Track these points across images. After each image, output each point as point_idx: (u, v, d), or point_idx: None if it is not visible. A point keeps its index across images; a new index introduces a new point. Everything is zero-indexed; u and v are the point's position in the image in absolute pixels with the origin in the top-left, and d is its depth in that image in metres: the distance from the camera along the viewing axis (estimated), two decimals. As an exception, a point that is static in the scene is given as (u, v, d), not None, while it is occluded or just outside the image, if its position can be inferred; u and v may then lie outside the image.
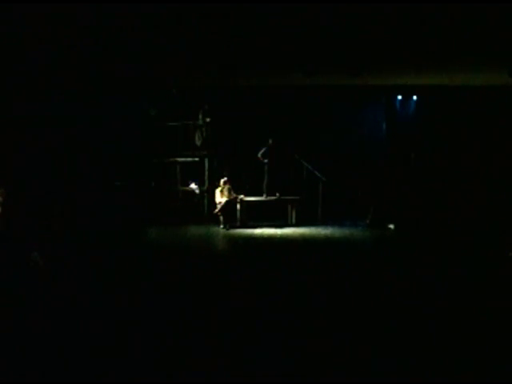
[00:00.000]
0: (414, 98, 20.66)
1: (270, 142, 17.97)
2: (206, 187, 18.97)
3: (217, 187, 18.08)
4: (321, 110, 19.85)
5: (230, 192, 17.71)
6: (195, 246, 14.73)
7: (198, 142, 18.74)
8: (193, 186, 19.22)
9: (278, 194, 18.17)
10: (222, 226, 17.45)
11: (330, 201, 18.68)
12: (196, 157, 18.91)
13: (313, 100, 19.57)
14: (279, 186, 18.07)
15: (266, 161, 18.07)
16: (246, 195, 18.13)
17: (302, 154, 18.89)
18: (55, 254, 11.57)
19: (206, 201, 18.91)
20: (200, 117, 18.73)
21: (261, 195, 18.29)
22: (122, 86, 17.34)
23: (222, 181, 17.78)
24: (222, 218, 17.51)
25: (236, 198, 17.73)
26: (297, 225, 17.80)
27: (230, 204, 17.64)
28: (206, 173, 19.02)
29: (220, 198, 17.62)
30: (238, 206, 17.97)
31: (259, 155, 18.16)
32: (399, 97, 20.62)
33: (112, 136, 17.93)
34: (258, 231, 16.71)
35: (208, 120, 18.59)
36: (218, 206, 17.59)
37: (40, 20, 9.80)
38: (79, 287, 9.87)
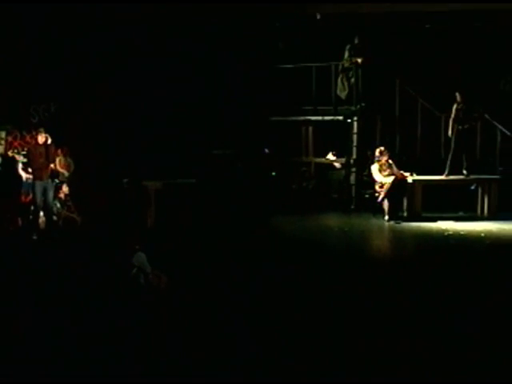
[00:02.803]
0: None
1: (458, 97, 13.65)
2: (352, 159, 14.95)
3: (369, 160, 14.38)
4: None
5: (391, 167, 13.39)
6: (346, 248, 11.44)
7: (342, 94, 15.02)
8: (331, 156, 15.46)
9: (464, 172, 13.69)
10: (386, 218, 13.33)
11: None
12: (339, 114, 15.34)
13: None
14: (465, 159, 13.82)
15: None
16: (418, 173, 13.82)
17: (493, 112, 14.55)
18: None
19: (352, 179, 14.91)
20: (346, 55, 15.08)
21: (438, 173, 13.92)
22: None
23: (377, 151, 13.59)
24: (387, 205, 13.24)
25: (403, 176, 13.43)
26: (491, 218, 13.59)
27: (397, 185, 13.19)
28: (354, 138, 15.01)
29: (381, 177, 13.36)
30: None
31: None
32: None
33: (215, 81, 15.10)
34: (436, 226, 12.96)
35: (359, 61, 14.77)
36: (380, 190, 13.37)
37: None
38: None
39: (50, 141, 11.35)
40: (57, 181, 11.87)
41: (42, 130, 11.54)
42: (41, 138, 11.31)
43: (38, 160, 11.20)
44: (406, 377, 5.44)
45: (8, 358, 5.77)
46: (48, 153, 11.31)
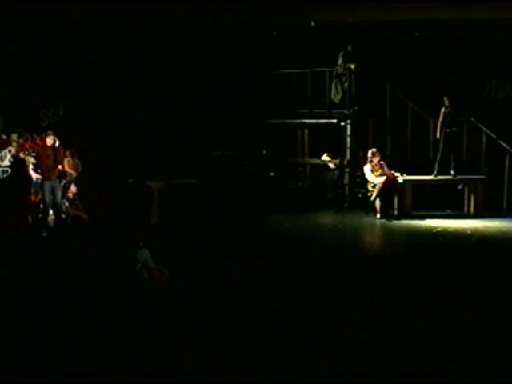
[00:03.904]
0: None
1: (446, 102, 13.13)
2: (345, 160, 14.49)
3: (361, 161, 13.91)
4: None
5: (383, 168, 12.94)
6: (340, 244, 10.82)
7: (336, 98, 14.51)
8: (325, 157, 14.88)
9: (452, 173, 13.23)
10: (378, 216, 12.84)
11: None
12: (333, 118, 14.71)
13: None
14: (452, 160, 13.31)
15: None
16: (408, 173, 13.30)
17: (479, 115, 14.04)
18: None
19: (346, 179, 14.42)
20: (340, 62, 14.46)
21: (427, 173, 13.41)
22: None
23: (370, 152, 13.13)
24: (378, 204, 12.83)
25: (394, 176, 13.00)
26: (477, 216, 13.09)
27: (388, 185, 12.75)
28: (347, 140, 14.51)
29: (373, 177, 12.97)
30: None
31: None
32: None
33: (210, 87, 14.59)
34: (425, 223, 12.48)
35: (352, 66, 14.28)
36: (372, 189, 12.97)
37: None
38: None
39: (57, 143, 11.14)
40: (64, 181, 11.62)
41: (50, 132, 11.35)
42: (49, 141, 11.14)
43: (47, 161, 11.06)
44: (405, 376, 5.19)
45: (12, 349, 5.64)
46: (56, 154, 11.12)
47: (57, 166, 11.21)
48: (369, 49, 14.32)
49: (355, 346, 5.76)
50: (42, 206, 11.26)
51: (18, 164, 11.60)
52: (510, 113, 14.53)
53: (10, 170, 11.90)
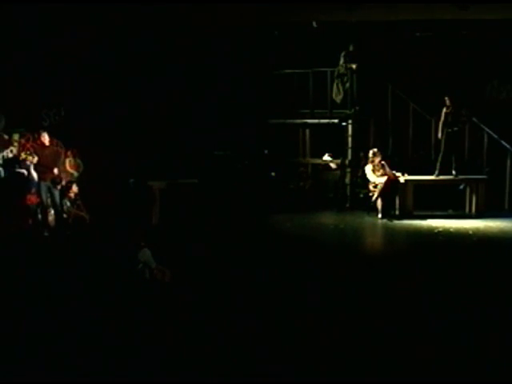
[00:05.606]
0: None
1: (447, 101, 12.93)
2: (347, 160, 14.24)
3: (362, 160, 13.62)
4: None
5: (384, 168, 12.77)
6: (341, 244, 10.79)
7: (338, 98, 14.21)
8: (327, 158, 14.61)
9: (453, 173, 13.04)
10: (380, 216, 12.65)
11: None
12: (334, 118, 14.36)
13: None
14: (453, 160, 13.14)
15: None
16: (410, 173, 13.10)
17: (480, 115, 13.77)
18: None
19: (347, 179, 14.15)
20: (341, 62, 14.16)
21: (429, 173, 13.20)
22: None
23: (371, 152, 12.95)
24: (380, 204, 12.65)
25: (395, 176, 12.83)
26: (478, 216, 12.86)
27: (390, 185, 12.58)
28: (349, 140, 14.27)
29: (375, 177, 12.80)
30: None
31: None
32: None
33: (213, 86, 14.42)
34: (426, 223, 12.28)
35: (354, 66, 13.99)
36: (373, 189, 12.78)
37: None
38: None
39: (47, 141, 11.12)
40: (59, 187, 11.41)
41: (41, 130, 11.34)
42: (43, 137, 11.12)
43: (42, 162, 11.03)
44: (405, 376, 5.12)
45: (13, 350, 5.60)
46: (53, 158, 11.14)
47: (52, 170, 11.13)
48: (370, 49, 14.08)
49: (356, 345, 5.70)
50: (40, 205, 11.12)
51: (18, 164, 11.41)
52: (511, 113, 14.35)
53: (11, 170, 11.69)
